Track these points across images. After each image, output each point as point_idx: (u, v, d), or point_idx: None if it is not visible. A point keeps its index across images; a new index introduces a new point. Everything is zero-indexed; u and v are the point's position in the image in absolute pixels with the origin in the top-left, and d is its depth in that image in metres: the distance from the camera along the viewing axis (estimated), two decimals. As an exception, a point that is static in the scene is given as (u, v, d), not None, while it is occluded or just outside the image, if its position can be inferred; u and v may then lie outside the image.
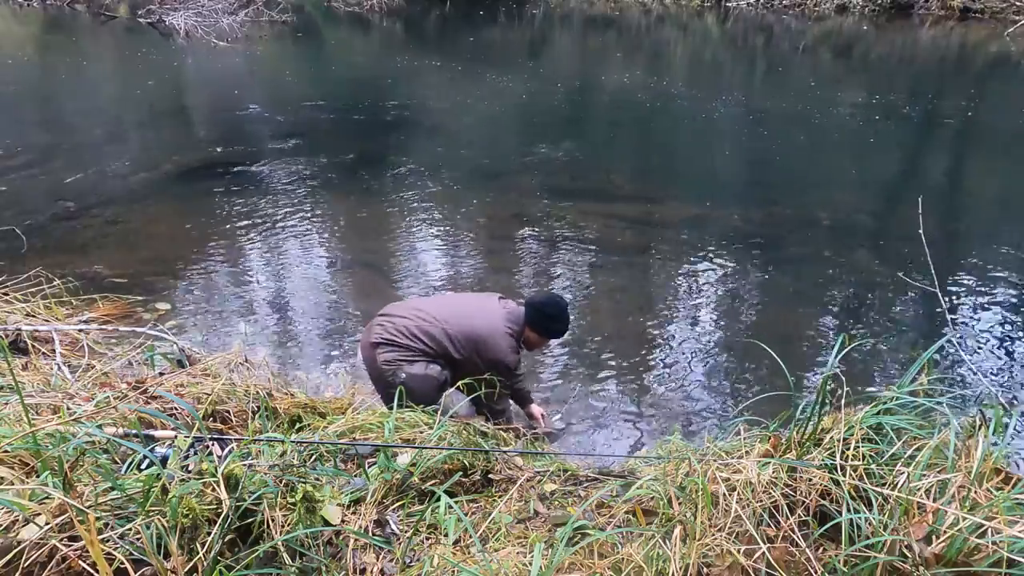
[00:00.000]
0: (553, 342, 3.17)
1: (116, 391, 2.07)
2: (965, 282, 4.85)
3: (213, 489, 1.37)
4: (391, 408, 2.25)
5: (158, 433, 1.75)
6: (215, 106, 9.90)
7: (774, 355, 1.92)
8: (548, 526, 1.73)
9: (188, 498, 1.35)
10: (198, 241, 5.19)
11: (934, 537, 1.31)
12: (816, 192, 6.92)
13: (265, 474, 1.51)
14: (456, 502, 1.68)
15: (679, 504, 1.62)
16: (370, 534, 1.60)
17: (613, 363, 3.84)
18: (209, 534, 1.33)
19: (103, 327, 3.21)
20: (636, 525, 1.67)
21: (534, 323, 2.78)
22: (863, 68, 13.75)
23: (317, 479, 1.68)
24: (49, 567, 1.26)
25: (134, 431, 1.72)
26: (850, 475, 1.50)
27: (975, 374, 3.61)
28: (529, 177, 6.97)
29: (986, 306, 4.55)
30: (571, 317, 2.94)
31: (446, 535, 1.58)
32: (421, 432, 2.08)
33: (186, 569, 1.28)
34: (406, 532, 1.62)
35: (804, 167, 7.85)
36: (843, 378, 1.66)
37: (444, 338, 2.66)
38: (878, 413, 1.66)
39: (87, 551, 1.23)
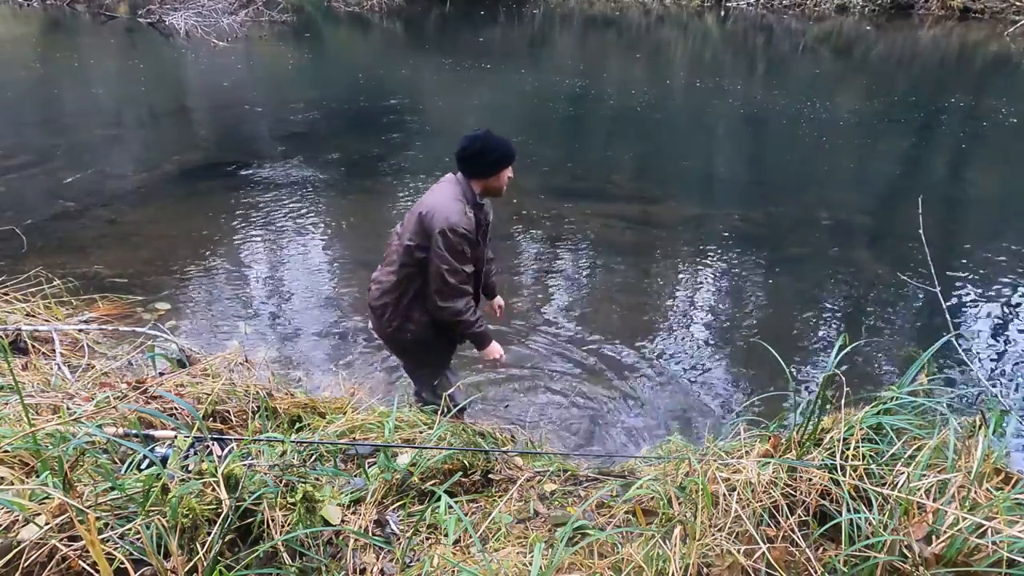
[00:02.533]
0: (510, 172, 2.59)
1: (116, 391, 2.07)
2: (965, 282, 4.85)
3: (213, 489, 1.37)
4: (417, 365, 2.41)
5: (158, 433, 1.75)
6: (215, 106, 9.89)
7: (775, 355, 1.92)
8: (548, 526, 1.73)
9: (188, 498, 1.35)
10: (198, 241, 5.19)
11: (934, 537, 1.31)
12: (816, 192, 6.92)
13: (265, 474, 1.51)
14: (456, 502, 1.68)
15: (679, 504, 1.61)
16: (370, 534, 1.60)
17: (613, 363, 3.84)
18: (209, 534, 1.33)
19: (103, 327, 3.21)
20: (636, 525, 1.67)
21: (472, 171, 2.52)
22: (863, 68, 13.75)
23: (317, 479, 1.68)
24: (49, 567, 1.26)
25: (134, 431, 1.72)
26: (850, 475, 1.49)
27: (975, 374, 3.61)
28: (529, 177, 6.96)
29: (986, 306, 4.55)
30: (506, 139, 2.55)
31: (446, 535, 1.58)
32: (421, 432, 2.08)
33: (186, 569, 1.28)
34: (406, 532, 1.62)
35: (804, 167, 7.85)
36: (843, 378, 1.66)
37: (404, 250, 2.52)
38: (878, 413, 1.66)
39: (87, 551, 1.23)
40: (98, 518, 1.28)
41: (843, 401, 1.64)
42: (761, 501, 1.52)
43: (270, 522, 1.42)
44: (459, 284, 2.48)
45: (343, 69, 12.87)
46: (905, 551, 1.32)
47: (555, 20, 20.57)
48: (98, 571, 1.16)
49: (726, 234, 5.67)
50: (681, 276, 4.98)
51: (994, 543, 1.27)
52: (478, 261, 2.62)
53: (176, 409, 2.01)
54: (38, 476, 1.40)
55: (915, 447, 1.55)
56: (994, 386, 3.55)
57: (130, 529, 1.30)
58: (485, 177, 2.54)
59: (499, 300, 3.07)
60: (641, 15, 20.58)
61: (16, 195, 5.96)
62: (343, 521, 1.61)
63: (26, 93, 9.93)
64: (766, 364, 3.75)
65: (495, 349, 2.71)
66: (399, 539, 1.61)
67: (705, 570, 1.44)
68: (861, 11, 19.20)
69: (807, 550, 1.41)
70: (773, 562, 1.39)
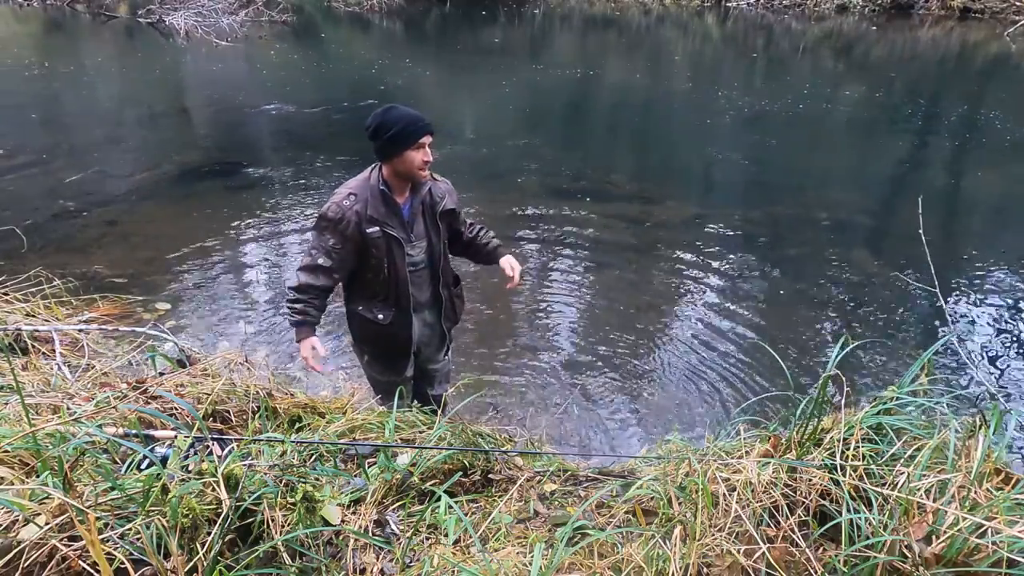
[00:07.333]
0: (424, 153, 2.32)
1: (116, 391, 2.07)
2: (965, 282, 4.85)
3: (213, 489, 1.37)
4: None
5: (158, 433, 1.75)
6: (215, 106, 9.89)
7: (774, 355, 1.92)
8: (548, 526, 1.73)
9: (188, 498, 1.35)
10: (198, 241, 5.19)
11: (934, 537, 1.31)
12: (816, 192, 6.92)
13: (265, 474, 1.51)
14: (456, 502, 1.68)
15: (679, 504, 1.61)
16: (370, 534, 1.60)
17: (613, 363, 3.84)
18: (209, 534, 1.33)
19: (103, 327, 3.20)
20: (636, 525, 1.67)
21: (376, 154, 2.30)
22: (863, 68, 13.74)
23: (317, 479, 1.68)
24: (49, 567, 1.26)
25: (134, 431, 1.72)
26: (850, 475, 1.49)
27: (975, 374, 3.61)
28: (529, 177, 6.97)
29: (986, 305, 4.55)
30: (413, 113, 2.29)
31: (446, 535, 1.58)
32: (421, 432, 2.08)
33: (186, 569, 1.28)
34: (406, 532, 1.62)
35: (804, 167, 7.85)
36: (843, 378, 1.66)
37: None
38: (878, 413, 1.66)
39: (87, 551, 1.23)
40: (98, 518, 1.28)
41: (843, 401, 1.64)
42: (761, 501, 1.51)
43: (270, 522, 1.42)
44: (303, 263, 2.38)
45: (343, 69, 12.87)
46: (905, 551, 1.32)
47: (555, 20, 20.57)
48: (98, 571, 1.16)
49: (726, 234, 5.67)
50: (681, 276, 4.98)
51: (994, 543, 1.26)
52: (387, 267, 2.35)
53: (176, 409, 2.01)
54: (38, 476, 1.40)
55: (915, 447, 1.54)
56: (994, 385, 3.55)
57: (130, 529, 1.30)
58: (388, 159, 2.29)
59: (506, 262, 2.56)
60: (641, 15, 20.59)
61: (16, 195, 5.96)
62: (343, 521, 1.61)
63: (26, 93, 9.93)
64: (766, 364, 3.75)
65: (304, 346, 2.44)
66: (399, 539, 1.61)
67: (705, 570, 1.44)
68: (861, 11, 19.21)
69: (807, 550, 1.41)
70: (773, 562, 1.39)
